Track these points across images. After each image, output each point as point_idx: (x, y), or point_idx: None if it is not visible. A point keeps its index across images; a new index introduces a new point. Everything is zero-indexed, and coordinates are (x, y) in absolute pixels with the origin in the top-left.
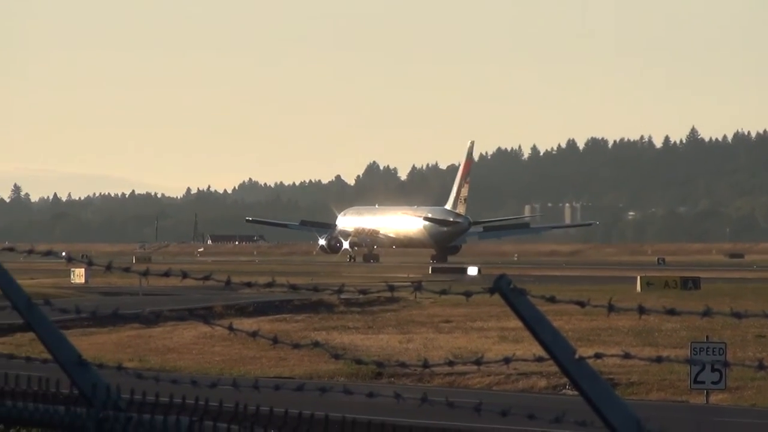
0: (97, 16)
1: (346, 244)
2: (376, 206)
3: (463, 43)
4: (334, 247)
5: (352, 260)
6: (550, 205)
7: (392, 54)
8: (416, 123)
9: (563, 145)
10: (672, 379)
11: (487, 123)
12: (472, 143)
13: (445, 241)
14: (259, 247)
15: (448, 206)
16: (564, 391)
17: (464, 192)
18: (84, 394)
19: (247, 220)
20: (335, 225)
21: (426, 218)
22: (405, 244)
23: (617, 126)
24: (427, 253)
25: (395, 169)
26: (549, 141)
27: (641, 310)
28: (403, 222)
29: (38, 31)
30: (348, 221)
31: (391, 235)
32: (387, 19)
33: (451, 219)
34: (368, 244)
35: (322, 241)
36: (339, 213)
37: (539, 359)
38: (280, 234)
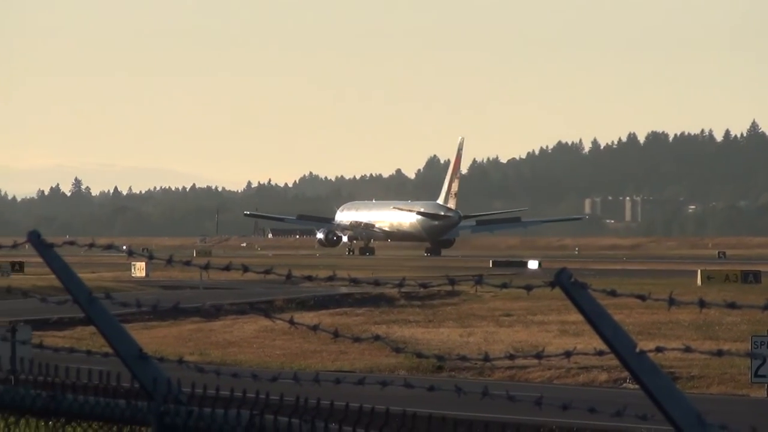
0: (157, 9)
1: (344, 238)
2: (373, 201)
3: (523, 35)
4: (331, 241)
5: (351, 253)
6: (610, 198)
7: (453, 46)
8: (476, 117)
9: (624, 139)
10: (733, 372)
11: (547, 116)
12: (462, 139)
13: (437, 234)
14: (312, 240)
15: (440, 201)
16: (625, 384)
17: (455, 187)
18: (145, 388)
19: (245, 215)
20: (332, 219)
21: (419, 213)
22: (399, 237)
23: (678, 120)
24: (422, 246)
25: None
26: (610, 135)
27: (702, 304)
28: (398, 216)
29: (97, 27)
30: (345, 216)
31: (386, 228)
32: (445, 11)
33: (442, 213)
34: (364, 238)
35: (320, 235)
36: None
37: (600, 353)
38: None
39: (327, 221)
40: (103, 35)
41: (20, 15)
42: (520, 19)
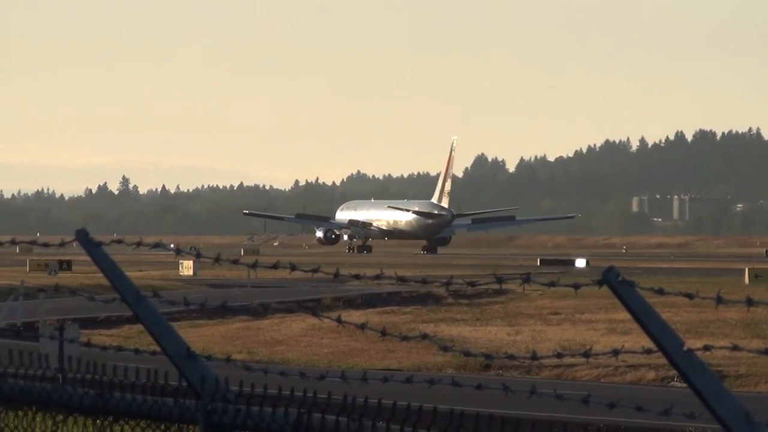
0: (202, 8)
1: (345, 237)
2: (372, 200)
3: (572, 33)
4: (330, 239)
5: (351, 251)
6: (658, 197)
7: (501, 44)
8: (524, 115)
9: (671, 138)
10: None
11: (595, 115)
12: (455, 140)
13: (432, 232)
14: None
15: (434, 200)
16: (672, 383)
17: (448, 186)
18: (192, 387)
19: (245, 213)
20: (330, 218)
21: (414, 211)
22: (396, 235)
23: (725, 118)
24: (419, 245)
25: (503, 161)
26: (657, 133)
27: (750, 302)
28: (394, 215)
29: (144, 24)
30: (344, 214)
31: (384, 227)
32: (489, 9)
33: (436, 212)
34: (361, 236)
35: (319, 233)
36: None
37: (647, 351)
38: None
39: (325, 220)
40: (151, 33)
41: (71, 16)
42: (569, 18)
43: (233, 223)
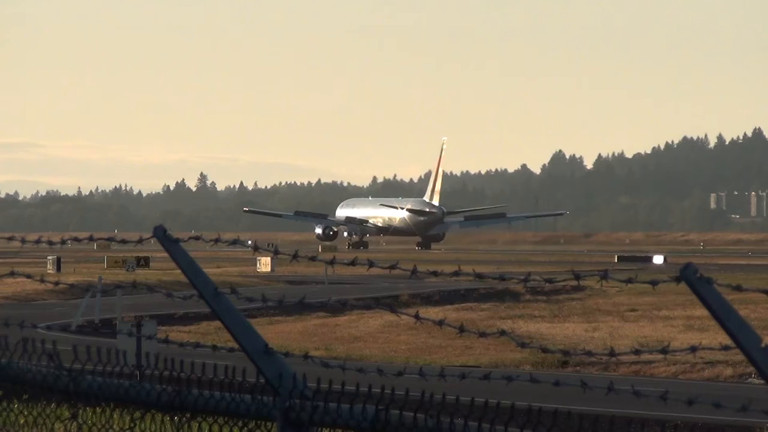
0: (283, 7)
1: (344, 233)
2: (369, 198)
3: (649, 31)
4: (328, 236)
5: (350, 247)
6: (735, 193)
7: (576, 41)
8: (603, 111)
9: (749, 134)
10: None
11: (672, 112)
12: (444, 140)
13: (425, 229)
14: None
15: (426, 198)
16: (750, 380)
17: (438, 185)
18: (270, 383)
19: (245, 211)
20: (327, 215)
21: (407, 209)
22: (391, 232)
23: None
24: (413, 241)
25: (581, 158)
26: (735, 130)
27: None
28: (389, 213)
29: (220, 23)
30: (343, 212)
31: (379, 224)
32: (565, 7)
33: (428, 209)
34: (358, 233)
35: (318, 230)
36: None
37: (725, 348)
38: (467, 222)
39: (323, 217)
40: (229, 30)
41: (148, 15)
42: (648, 15)
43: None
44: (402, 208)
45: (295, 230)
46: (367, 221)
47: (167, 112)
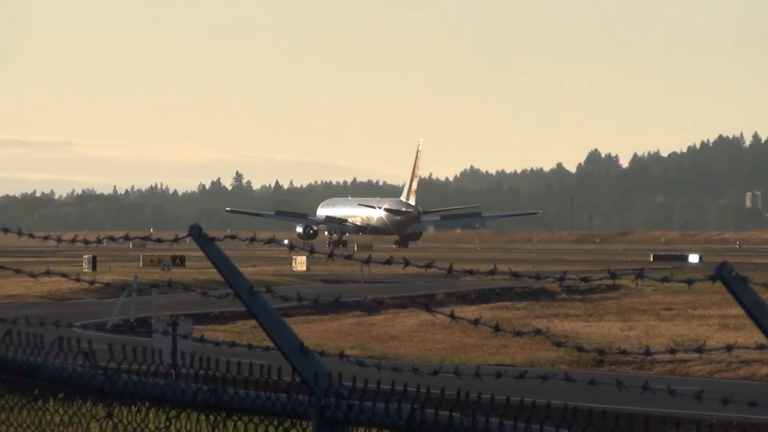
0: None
1: (326, 233)
2: (349, 198)
3: (686, 32)
4: (308, 235)
5: (330, 246)
6: None
7: (613, 39)
8: (638, 110)
9: None
10: None
11: (708, 110)
12: (420, 141)
13: (402, 228)
14: (480, 234)
15: (402, 198)
16: None
17: (414, 186)
18: (306, 382)
19: (227, 210)
20: (308, 215)
21: (385, 209)
22: (369, 231)
23: None
24: (391, 240)
25: (617, 157)
26: None
27: None
28: (367, 212)
29: (253, 25)
30: (323, 211)
31: (358, 223)
32: (605, 7)
33: (404, 209)
34: (337, 232)
35: (299, 229)
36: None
37: (761, 347)
38: (503, 222)
39: (304, 216)
40: (261, 31)
41: (180, 14)
42: (682, 14)
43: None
44: (379, 208)
45: (277, 230)
46: (346, 220)
47: (203, 111)
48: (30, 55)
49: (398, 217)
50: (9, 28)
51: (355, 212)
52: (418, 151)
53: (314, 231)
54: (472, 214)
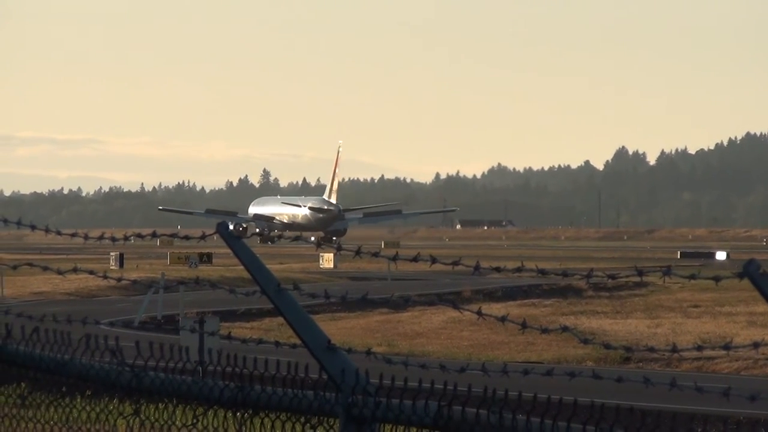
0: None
1: (257, 229)
2: (278, 197)
3: (714, 29)
4: (238, 232)
5: (260, 242)
6: None
7: (643, 37)
8: (665, 107)
9: None
10: None
11: (735, 108)
12: (340, 144)
13: (325, 225)
14: (507, 231)
15: (325, 196)
16: None
17: (335, 185)
18: (333, 380)
19: (159, 209)
20: (237, 213)
21: (309, 207)
22: (295, 228)
23: None
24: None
25: (644, 154)
26: None
27: None
28: (294, 210)
29: (279, 23)
30: (253, 209)
31: (285, 220)
32: (641, 6)
33: (326, 207)
34: (266, 228)
35: (230, 227)
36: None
37: None
38: (530, 219)
39: (233, 214)
40: (287, 29)
41: (215, 14)
42: (708, 11)
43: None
44: (304, 206)
45: (208, 227)
46: (273, 218)
47: (231, 109)
48: (59, 53)
49: (321, 215)
50: (38, 26)
51: (282, 210)
52: (338, 153)
53: (244, 228)
54: (393, 211)
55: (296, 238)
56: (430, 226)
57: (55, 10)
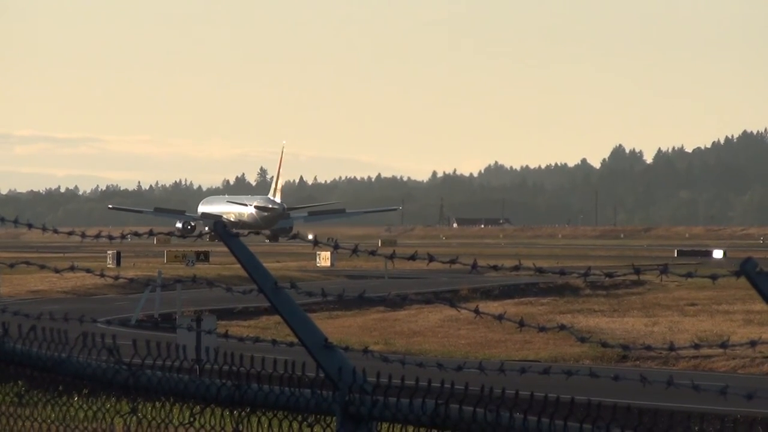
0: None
1: (206, 228)
2: (225, 196)
3: (710, 27)
4: (186, 230)
5: (209, 240)
6: None
7: (639, 36)
8: (662, 106)
9: None
10: None
11: (732, 106)
12: (284, 144)
13: (269, 223)
14: (504, 230)
15: (270, 195)
16: None
17: (280, 184)
18: (330, 378)
19: (109, 208)
20: (185, 211)
21: (254, 206)
22: (242, 226)
23: None
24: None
25: (641, 152)
26: None
27: None
28: (240, 209)
29: (277, 20)
30: (202, 208)
31: (232, 219)
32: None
33: (271, 206)
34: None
35: (178, 224)
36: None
37: None
38: (527, 217)
39: (181, 213)
40: (285, 27)
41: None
42: (703, 9)
43: (370, 215)
44: (250, 205)
45: (157, 225)
46: (221, 216)
47: (228, 107)
48: (57, 51)
49: (266, 214)
50: (36, 24)
51: (229, 209)
52: (282, 154)
53: (192, 226)
54: (336, 210)
55: (294, 236)
56: (427, 225)
57: (53, 7)
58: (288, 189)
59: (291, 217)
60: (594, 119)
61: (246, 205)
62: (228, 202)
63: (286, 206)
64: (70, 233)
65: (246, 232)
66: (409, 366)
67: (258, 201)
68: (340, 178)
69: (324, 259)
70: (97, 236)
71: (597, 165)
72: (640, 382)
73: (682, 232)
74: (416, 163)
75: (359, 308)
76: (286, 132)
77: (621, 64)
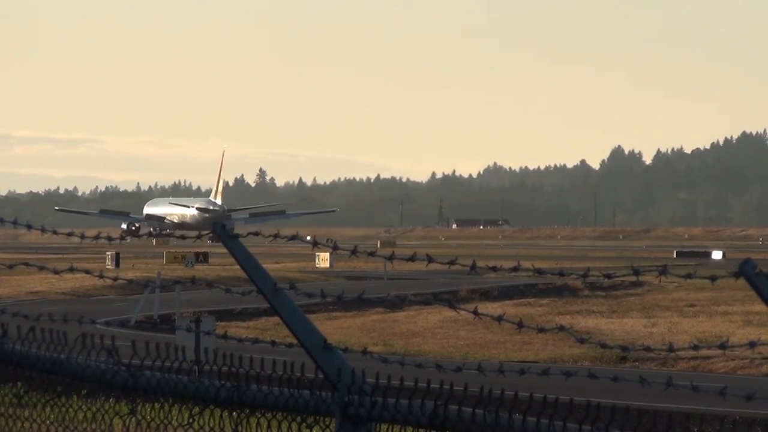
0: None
1: (151, 229)
2: (169, 198)
3: (711, 28)
4: (131, 231)
5: (154, 241)
6: None
7: (636, 36)
8: (661, 107)
9: None
10: None
11: (731, 107)
12: (225, 148)
13: (210, 225)
14: (503, 231)
15: (212, 197)
16: None
17: (221, 186)
18: (329, 379)
19: (56, 210)
20: (129, 213)
21: (197, 207)
22: (185, 227)
23: None
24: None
25: (640, 153)
26: None
27: None
28: (183, 210)
29: (277, 22)
30: (147, 210)
31: (175, 220)
32: (626, 8)
33: (212, 207)
34: (157, 228)
35: (123, 226)
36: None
37: None
38: (526, 218)
39: (126, 215)
40: (285, 28)
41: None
42: (703, 11)
43: (369, 215)
44: (191, 207)
45: (101, 226)
46: (165, 218)
47: (228, 108)
48: (57, 52)
49: (207, 215)
50: (36, 25)
51: (172, 210)
52: (223, 157)
53: (137, 227)
54: (277, 212)
55: (293, 237)
56: (426, 226)
57: (53, 7)
58: (287, 190)
59: (232, 219)
60: (593, 120)
61: (188, 206)
62: (171, 203)
63: (227, 208)
64: (69, 234)
65: (201, 233)
66: (408, 367)
67: (199, 203)
68: (339, 179)
69: (323, 260)
70: (96, 237)
71: (596, 166)
72: (639, 383)
73: (682, 233)
74: (415, 163)
75: (358, 309)
76: (286, 132)
77: (620, 65)
